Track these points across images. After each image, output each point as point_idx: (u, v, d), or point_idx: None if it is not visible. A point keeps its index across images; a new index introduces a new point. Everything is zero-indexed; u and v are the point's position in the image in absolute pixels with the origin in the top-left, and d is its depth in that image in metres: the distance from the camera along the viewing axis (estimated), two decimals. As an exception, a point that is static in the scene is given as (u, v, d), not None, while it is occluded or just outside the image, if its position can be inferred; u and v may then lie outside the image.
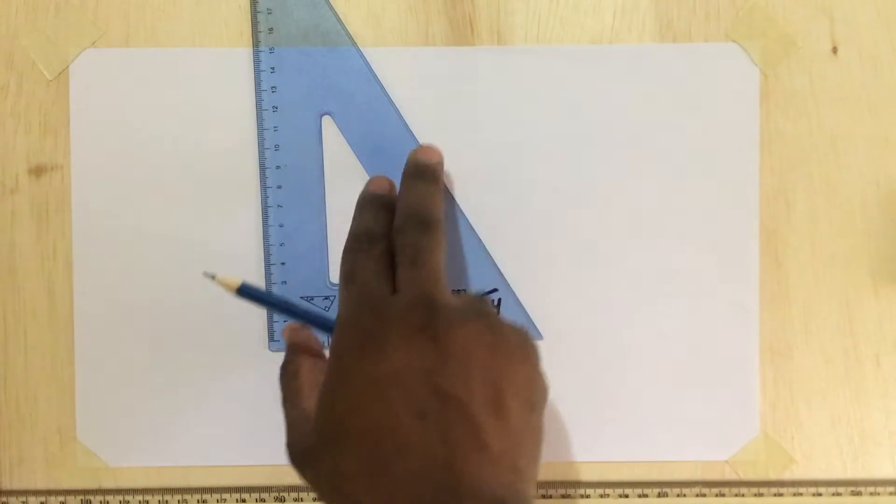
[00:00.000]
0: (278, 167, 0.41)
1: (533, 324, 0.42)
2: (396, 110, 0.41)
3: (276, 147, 0.41)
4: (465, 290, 0.41)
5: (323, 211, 0.41)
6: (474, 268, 0.41)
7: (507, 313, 0.41)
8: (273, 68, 0.41)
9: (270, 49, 0.41)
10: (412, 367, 0.31)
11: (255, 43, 0.41)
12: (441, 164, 0.39)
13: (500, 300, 0.41)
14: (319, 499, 0.32)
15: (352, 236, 0.37)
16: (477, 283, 0.41)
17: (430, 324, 0.31)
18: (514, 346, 0.33)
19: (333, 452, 0.31)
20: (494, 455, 0.30)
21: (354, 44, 0.41)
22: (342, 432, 0.31)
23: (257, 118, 0.41)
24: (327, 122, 0.41)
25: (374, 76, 0.41)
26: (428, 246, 0.35)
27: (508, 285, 0.42)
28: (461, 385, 0.31)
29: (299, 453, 0.33)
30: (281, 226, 0.41)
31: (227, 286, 0.36)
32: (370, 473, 0.30)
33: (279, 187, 0.41)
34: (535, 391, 0.33)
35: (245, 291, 0.36)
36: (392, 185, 0.39)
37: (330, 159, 0.41)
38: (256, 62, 0.41)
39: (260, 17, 0.41)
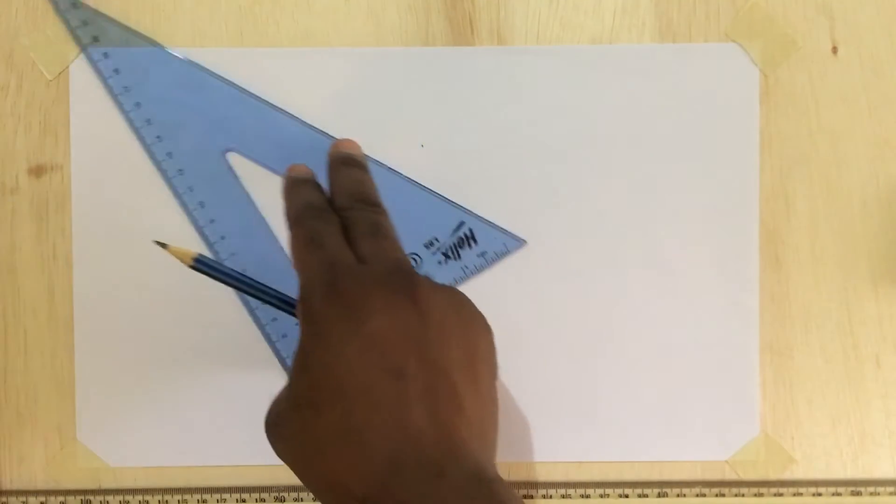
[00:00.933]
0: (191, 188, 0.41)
1: (509, 232, 0.42)
2: (278, 109, 0.41)
3: (181, 171, 0.41)
4: (436, 240, 0.41)
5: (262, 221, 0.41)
6: (432, 215, 0.41)
7: (482, 238, 0.41)
8: (148, 120, 0.41)
9: (136, 104, 0.41)
10: (393, 328, 0.30)
11: (119, 106, 0.41)
12: (362, 154, 0.40)
13: (471, 230, 0.41)
14: (294, 471, 0.31)
15: (300, 207, 0.36)
16: (440, 226, 0.41)
17: (410, 288, 0.31)
18: (479, 318, 0.33)
19: (306, 415, 0.30)
20: (469, 418, 0.30)
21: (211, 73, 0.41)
22: (315, 394, 0.30)
23: (157, 168, 0.41)
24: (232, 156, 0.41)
25: (244, 92, 0.41)
26: (383, 222, 0.35)
27: (471, 212, 0.41)
28: (440, 348, 0.31)
29: (271, 423, 0.32)
30: (212, 221, 0.41)
31: (180, 257, 0.35)
32: (343, 435, 0.29)
33: (200, 203, 0.41)
34: (495, 360, 0.33)
35: (201, 263, 0.35)
36: (312, 171, 0.39)
37: (248, 180, 0.41)
38: (130, 123, 0.41)
39: (111, 81, 0.41)
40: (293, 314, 0.34)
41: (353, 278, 0.32)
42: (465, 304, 0.33)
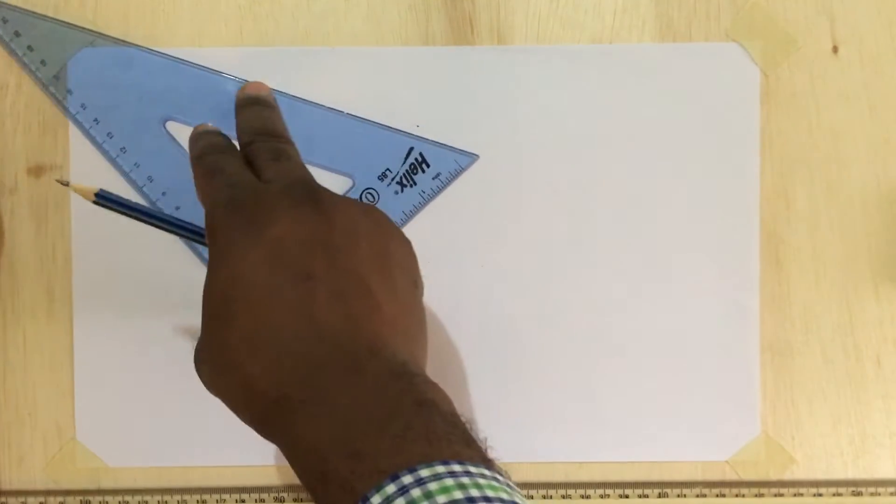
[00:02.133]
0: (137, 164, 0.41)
1: (459, 150, 0.41)
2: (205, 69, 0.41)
3: (124, 150, 0.41)
4: (389, 171, 0.41)
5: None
6: (381, 147, 0.41)
7: (434, 159, 0.41)
8: (83, 105, 0.41)
9: (69, 91, 0.41)
10: (297, 233, 0.30)
11: (51, 95, 0.41)
12: (271, 96, 0.39)
13: (422, 154, 0.41)
14: (215, 393, 0.30)
15: (201, 148, 0.35)
16: (391, 156, 0.41)
17: (314, 198, 0.31)
18: (393, 229, 0.33)
19: (219, 331, 0.30)
20: (387, 317, 0.29)
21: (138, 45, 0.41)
22: (224, 307, 0.30)
23: (100, 151, 0.41)
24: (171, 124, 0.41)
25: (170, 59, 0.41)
26: (285, 148, 0.34)
27: (418, 136, 0.41)
28: (350, 251, 0.30)
29: (195, 355, 0.31)
30: (164, 194, 0.41)
31: (82, 193, 0.35)
32: (255, 341, 0.29)
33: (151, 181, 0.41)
34: (416, 269, 0.33)
35: (104, 198, 0.35)
36: (217, 128, 0.38)
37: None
38: (66, 111, 0.41)
39: (40, 74, 0.41)
40: (205, 244, 0.34)
41: (254, 193, 0.31)
42: (376, 214, 0.33)
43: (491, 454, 0.27)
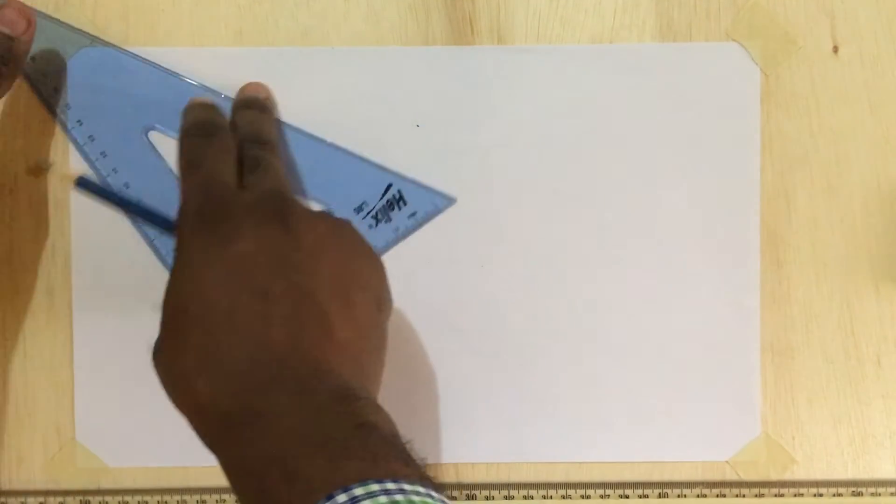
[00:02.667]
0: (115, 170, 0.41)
1: (437, 191, 0.41)
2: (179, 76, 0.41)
3: (104, 154, 0.41)
4: (365, 204, 0.41)
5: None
6: (359, 179, 0.41)
7: (411, 198, 0.41)
8: (68, 105, 0.41)
9: (55, 89, 0.41)
10: (260, 252, 0.30)
11: (38, 93, 0.41)
12: (270, 98, 0.40)
13: (400, 191, 0.41)
14: (170, 398, 0.31)
15: (188, 125, 0.36)
16: (368, 190, 0.41)
17: (282, 214, 0.31)
18: (363, 248, 0.33)
19: (173, 341, 0.30)
20: (339, 342, 0.30)
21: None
22: (180, 319, 0.30)
23: (80, 152, 0.41)
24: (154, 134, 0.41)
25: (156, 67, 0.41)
26: (265, 156, 0.35)
27: (399, 174, 0.41)
28: (309, 274, 0.31)
29: (153, 353, 0.32)
30: (139, 202, 0.40)
31: (65, 179, 0.36)
32: (205, 357, 0.29)
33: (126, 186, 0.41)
34: (381, 291, 0.33)
35: (83, 185, 0.36)
36: (214, 102, 0.39)
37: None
38: (50, 109, 0.41)
39: (28, 70, 0.40)
40: None
41: (223, 204, 0.32)
42: (346, 231, 0.33)
43: (429, 472, 0.27)
